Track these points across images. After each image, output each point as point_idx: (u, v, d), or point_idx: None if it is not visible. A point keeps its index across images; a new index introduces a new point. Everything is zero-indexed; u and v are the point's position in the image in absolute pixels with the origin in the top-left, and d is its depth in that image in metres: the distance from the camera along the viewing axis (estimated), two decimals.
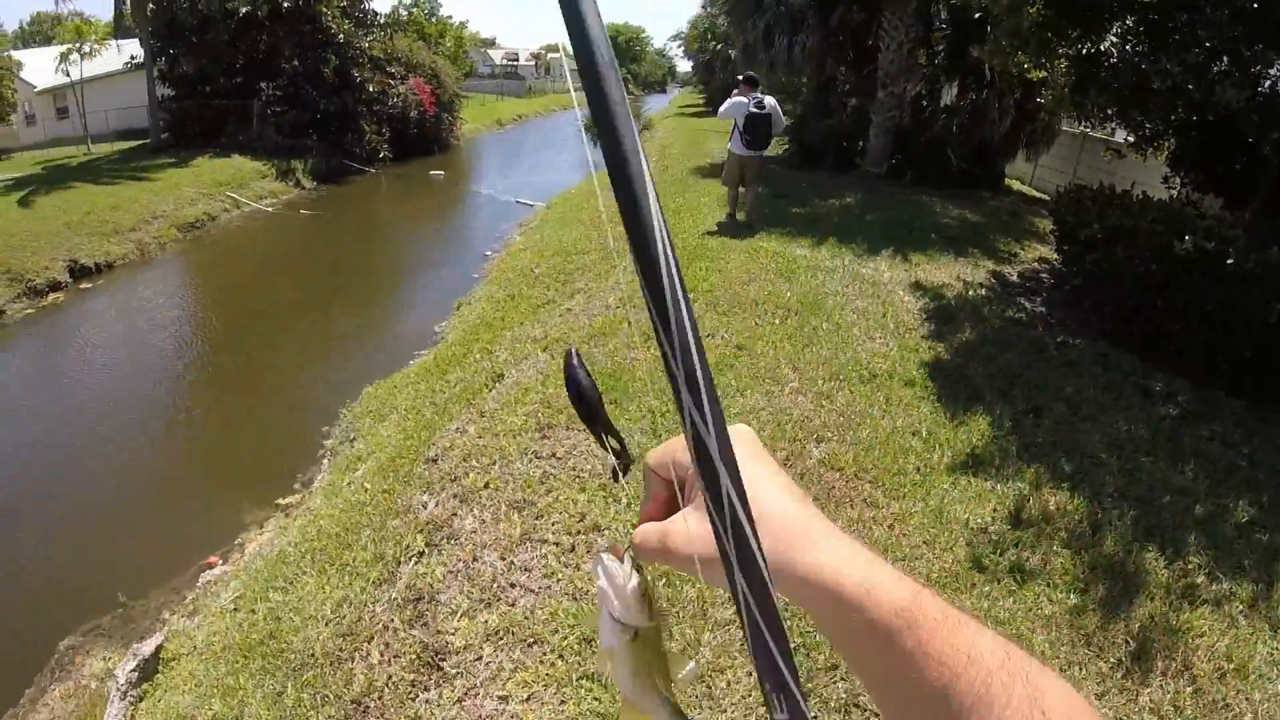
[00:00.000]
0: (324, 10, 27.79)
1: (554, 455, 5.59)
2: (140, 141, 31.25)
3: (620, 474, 0.79)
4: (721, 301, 8.13)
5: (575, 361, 0.78)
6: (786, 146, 19.03)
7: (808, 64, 18.14)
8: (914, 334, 7.59)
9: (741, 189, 11.62)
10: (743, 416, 5.76)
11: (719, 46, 43.86)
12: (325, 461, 8.04)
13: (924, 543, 4.38)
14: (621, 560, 0.71)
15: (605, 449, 0.78)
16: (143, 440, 10.45)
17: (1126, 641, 3.80)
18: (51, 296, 16.94)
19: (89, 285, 17.49)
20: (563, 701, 3.60)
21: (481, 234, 17.69)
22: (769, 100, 10.76)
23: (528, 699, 3.69)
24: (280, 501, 7.76)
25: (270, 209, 22.87)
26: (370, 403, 8.56)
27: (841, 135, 17.58)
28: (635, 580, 0.69)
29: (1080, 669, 3.59)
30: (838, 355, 6.87)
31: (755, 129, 10.70)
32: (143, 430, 10.74)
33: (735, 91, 10.85)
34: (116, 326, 15.46)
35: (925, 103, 17.34)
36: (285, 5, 26.86)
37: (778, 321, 7.61)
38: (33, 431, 11.35)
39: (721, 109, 11.04)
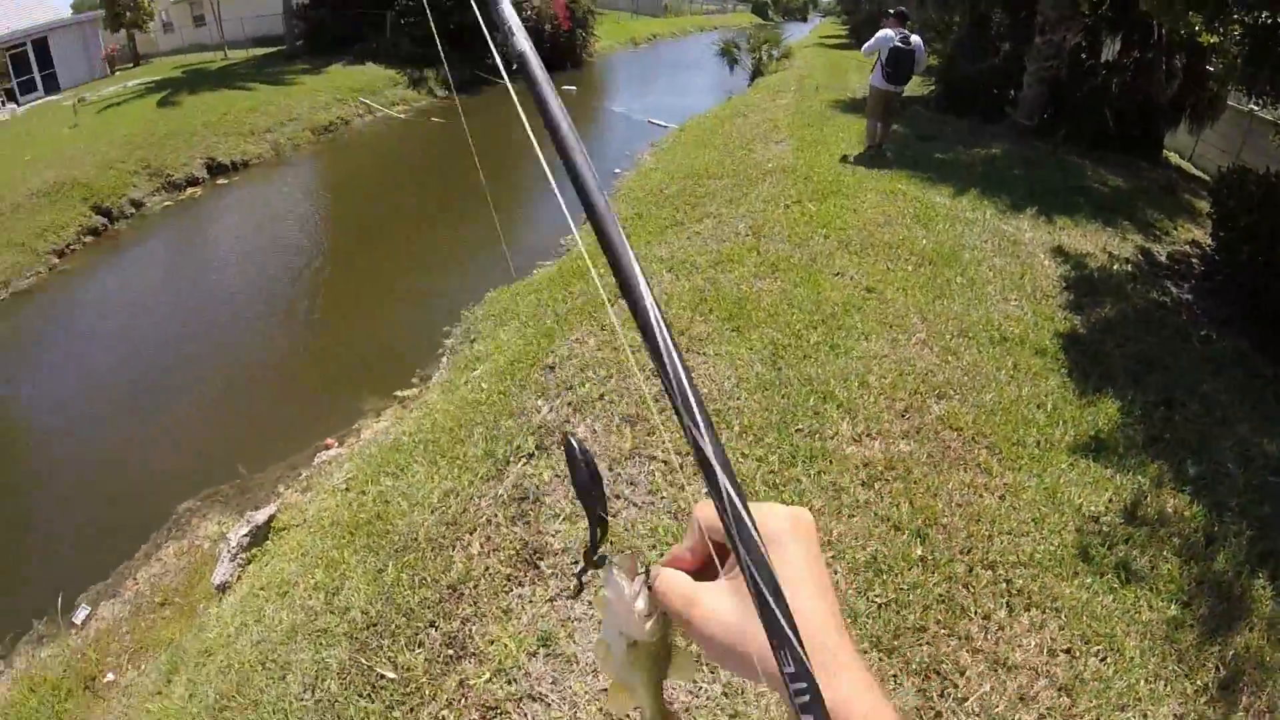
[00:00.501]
0: None
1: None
2: (276, 49, 32.10)
3: (584, 566, 0.76)
4: (854, 241, 7.88)
5: (578, 450, 0.77)
6: (933, 88, 18.26)
7: (961, 1, 17.28)
8: (1051, 301, 7.20)
9: (880, 123, 11.64)
10: (864, 361, 5.60)
11: None
12: (444, 359, 8.16)
13: (1033, 520, 4.16)
14: (633, 576, 0.70)
15: (593, 531, 0.77)
16: (271, 328, 10.85)
17: (1217, 667, 3.53)
18: (189, 191, 17.70)
19: (225, 181, 18.21)
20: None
21: (612, 151, 17.52)
22: (915, 38, 10.74)
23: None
24: (398, 393, 7.93)
25: (402, 116, 23.18)
26: (493, 307, 8.63)
27: (993, 81, 16.67)
28: (643, 601, 0.68)
29: (1166, 685, 3.36)
30: (969, 312, 6.58)
31: (898, 64, 10.67)
32: (272, 319, 11.15)
33: (884, 23, 10.89)
34: (250, 221, 16.04)
35: (1085, 55, 15.98)
36: None
37: (910, 269, 7.34)
38: (170, 315, 11.91)
39: (867, 45, 11.03)
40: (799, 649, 0.56)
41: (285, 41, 31.36)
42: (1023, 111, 15.40)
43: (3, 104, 29.68)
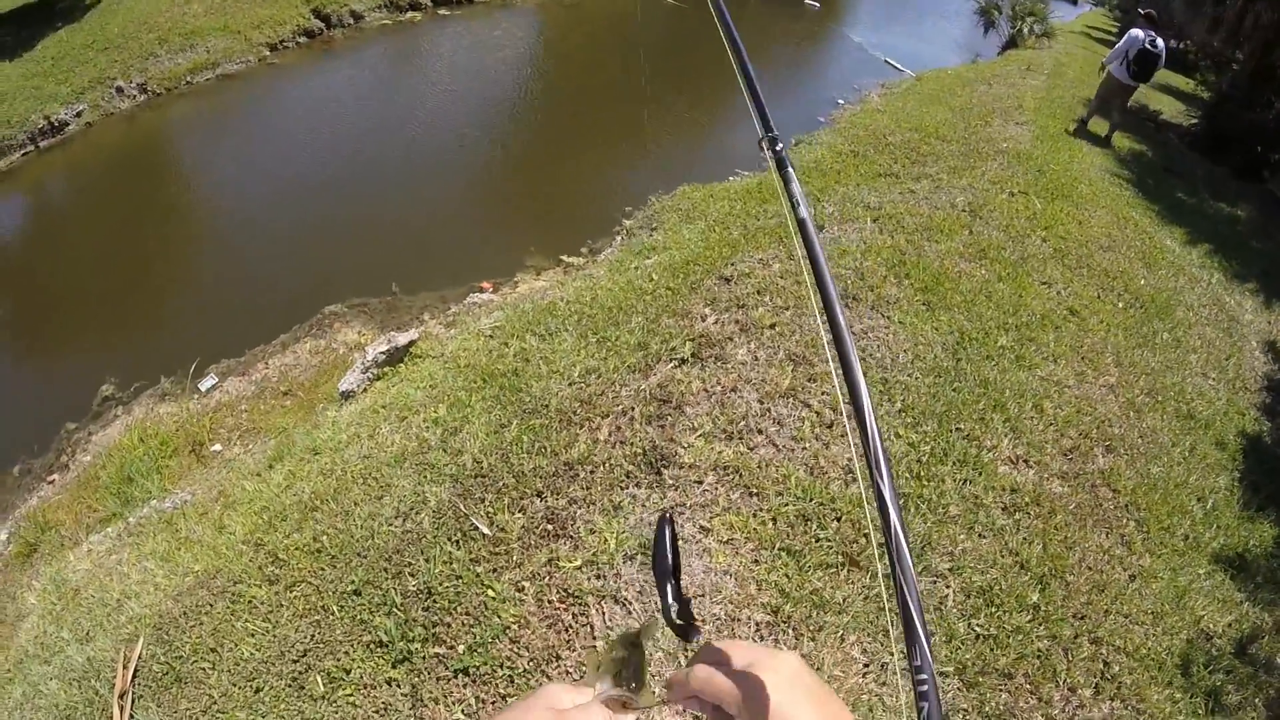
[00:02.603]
0: None
1: (851, 329, 5.41)
2: None
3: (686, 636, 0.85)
4: (1071, 255, 7.47)
5: (669, 531, 0.86)
6: (1195, 121, 16.94)
7: (1253, 38, 15.74)
8: (1249, 396, 6.71)
9: (1112, 111, 12.44)
10: (1046, 384, 5.38)
11: None
12: (619, 239, 8.18)
13: (1152, 613, 3.98)
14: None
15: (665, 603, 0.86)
16: (458, 162, 11.08)
17: None
18: (410, 14, 17.93)
19: (446, 13, 18.31)
20: (756, 562, 3.60)
21: (839, 80, 16.84)
22: (1161, 42, 11.44)
23: (727, 541, 3.72)
24: (564, 258, 8.02)
25: None
26: (682, 200, 8.56)
27: (1260, 138, 15.35)
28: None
29: None
30: (1166, 374, 6.22)
31: (1144, 63, 11.44)
32: (460, 154, 11.38)
33: (1136, 22, 11.83)
34: (463, 57, 16.18)
35: None
36: None
37: (1121, 305, 6.94)
38: (365, 128, 12.27)
39: (1116, 47, 11.92)
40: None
41: None
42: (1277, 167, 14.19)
43: None
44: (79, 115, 13.07)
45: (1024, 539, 3.99)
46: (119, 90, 13.69)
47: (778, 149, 1.56)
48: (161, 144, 13.01)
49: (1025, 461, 4.59)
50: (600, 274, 7.02)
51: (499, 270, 8.01)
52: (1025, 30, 24.64)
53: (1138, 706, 3.47)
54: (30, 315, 8.59)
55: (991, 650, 3.39)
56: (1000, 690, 3.26)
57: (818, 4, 26.14)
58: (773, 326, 5.33)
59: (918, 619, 0.75)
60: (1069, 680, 3.40)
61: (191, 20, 15.57)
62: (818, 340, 5.17)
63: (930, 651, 0.72)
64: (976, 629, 3.46)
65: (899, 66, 18.81)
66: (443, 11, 18.30)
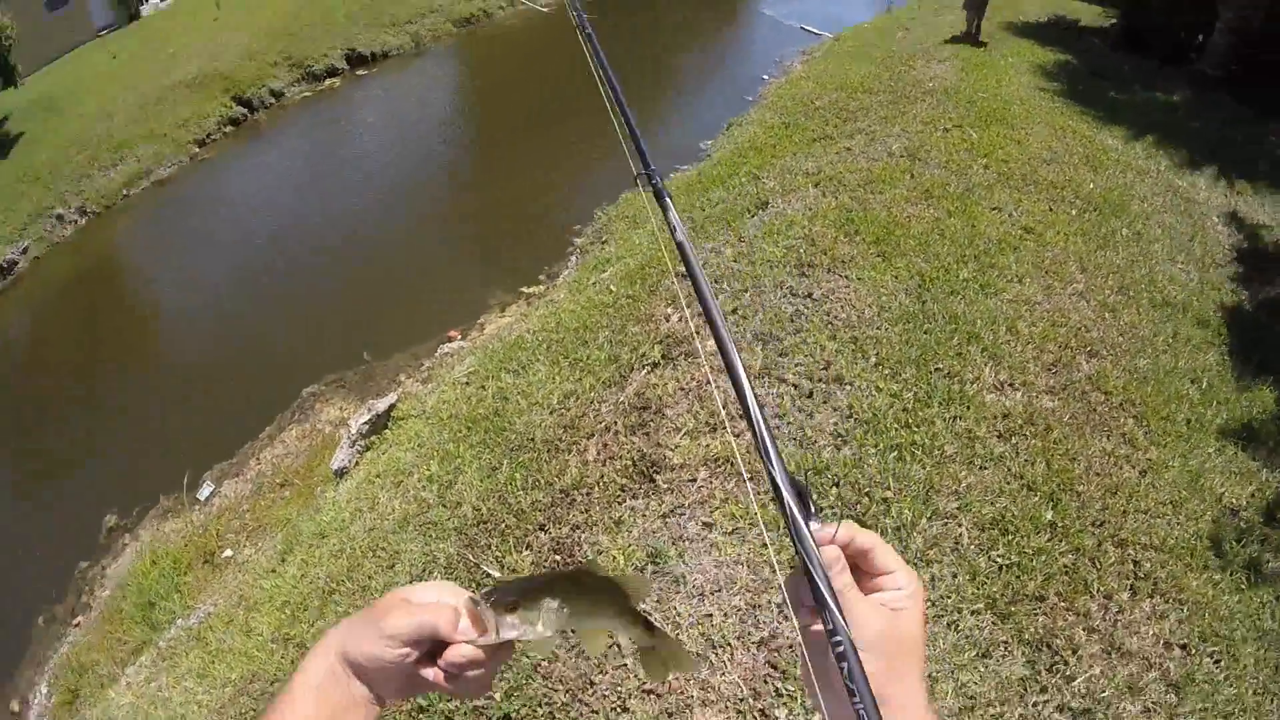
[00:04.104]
0: None
1: (809, 295, 5.39)
2: None
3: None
4: (1015, 176, 7.45)
5: None
6: (1113, 20, 16.98)
7: None
8: (1220, 271, 6.72)
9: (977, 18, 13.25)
10: (1015, 305, 5.34)
11: None
12: (574, 258, 8.19)
13: (1170, 503, 3.94)
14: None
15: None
16: (403, 219, 11.17)
17: None
18: (329, 82, 18.19)
19: (364, 73, 18.59)
20: (765, 544, 3.53)
21: (761, 56, 16.96)
22: None
23: (732, 532, 3.67)
24: (524, 290, 8.02)
25: (545, 9, 22.78)
26: (626, 208, 8.57)
27: (1180, 23, 15.34)
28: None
29: (1274, 701, 3.19)
30: (1132, 268, 6.18)
31: None
32: (403, 210, 11.49)
33: None
34: (387, 113, 16.40)
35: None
36: None
37: (1074, 213, 6.91)
38: (305, 204, 12.39)
39: None
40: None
41: None
42: (1209, 60, 14.10)
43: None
44: (24, 252, 13.08)
45: (1025, 461, 3.94)
46: (59, 218, 13.75)
47: (655, 183, 1.59)
48: (112, 263, 13.08)
49: (1010, 385, 4.55)
50: (561, 297, 7.02)
51: (464, 316, 8.01)
52: None
53: (1178, 597, 3.42)
54: (21, 462, 8.62)
55: (1018, 578, 3.33)
56: (1035, 615, 3.20)
57: None
58: (735, 311, 5.29)
59: (823, 586, 0.77)
60: (1102, 588, 3.34)
61: (117, 133, 15.70)
62: (782, 316, 5.14)
63: (842, 615, 0.75)
64: (998, 560, 3.40)
65: (816, 31, 18.87)
66: (360, 72, 18.48)
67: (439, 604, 0.84)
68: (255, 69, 17.54)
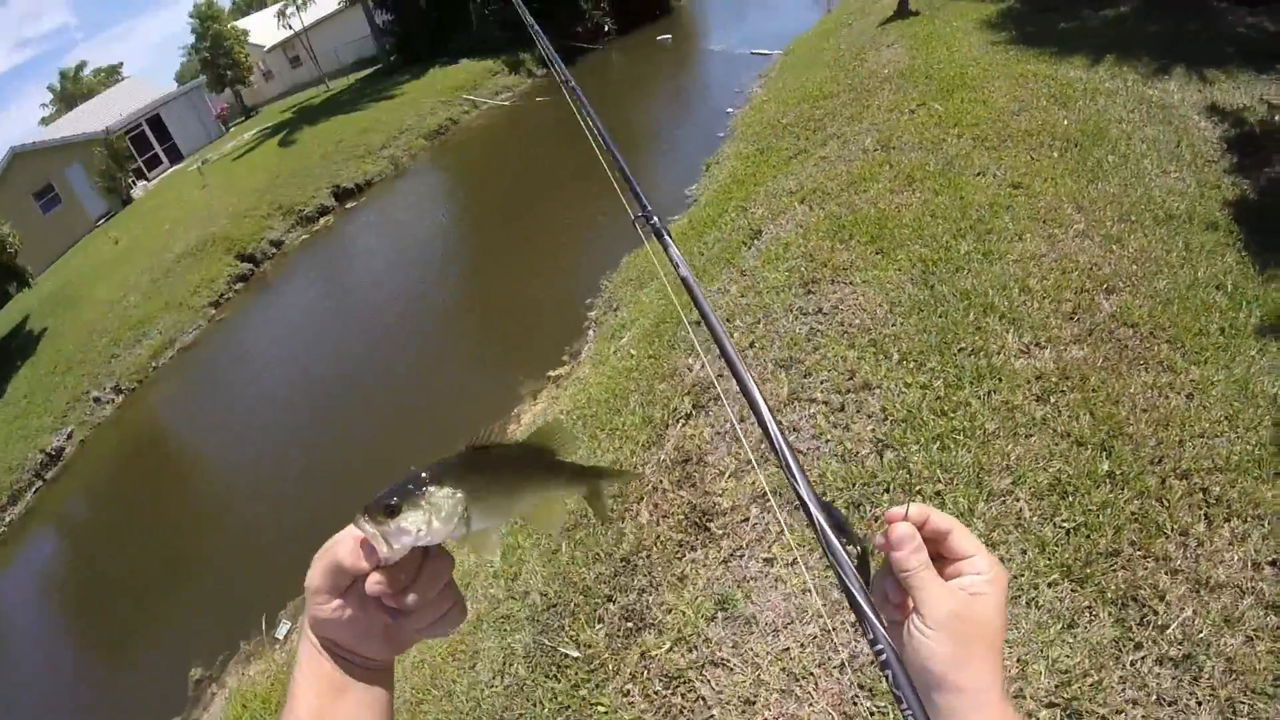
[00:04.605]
0: None
1: (819, 311, 5.45)
2: (373, 69, 33.98)
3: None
4: (990, 136, 7.48)
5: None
6: None
7: None
8: (1214, 167, 6.59)
9: None
10: (1022, 264, 5.33)
11: None
12: (591, 332, 8.29)
13: (1225, 418, 3.84)
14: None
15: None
16: (421, 331, 11.46)
17: None
18: (323, 221, 18.99)
19: (353, 204, 19.48)
20: (828, 567, 3.54)
21: (721, 91, 17.19)
22: None
23: (792, 563, 3.69)
24: (551, 373, 8.12)
25: (507, 103, 23.65)
26: (629, 271, 8.69)
27: None
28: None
29: None
30: (1127, 192, 6.14)
31: None
32: (420, 322, 11.79)
33: None
34: (383, 236, 17.04)
35: None
36: None
37: (1056, 155, 6.91)
38: (325, 339, 12.82)
39: None
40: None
41: (379, 59, 32.73)
42: None
43: (134, 184, 32.30)
44: (69, 437, 13.79)
45: (1069, 418, 3.92)
46: (96, 400, 14.47)
47: (653, 222, 1.70)
48: (155, 432, 13.62)
49: (1036, 345, 4.54)
50: (586, 373, 7.10)
51: (498, 412, 8.11)
52: None
53: (1255, 514, 3.34)
54: (100, 633, 8.89)
55: (1088, 538, 3.30)
56: (1113, 571, 3.16)
57: (668, 36, 26.69)
58: (752, 345, 5.35)
59: (860, 597, 0.81)
60: (1176, 526, 3.29)
61: (134, 311, 16.59)
62: (797, 338, 5.19)
63: (881, 622, 0.79)
64: (1063, 525, 3.38)
65: (765, 52, 19.13)
66: (349, 205, 19.22)
67: (340, 537, 0.82)
68: (251, 225, 18.31)
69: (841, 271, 5.80)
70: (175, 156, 36.78)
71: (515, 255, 12.62)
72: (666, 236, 1.74)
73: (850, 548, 0.86)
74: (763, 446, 4.41)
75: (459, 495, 0.78)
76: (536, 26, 3.26)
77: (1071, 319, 4.74)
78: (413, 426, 9.04)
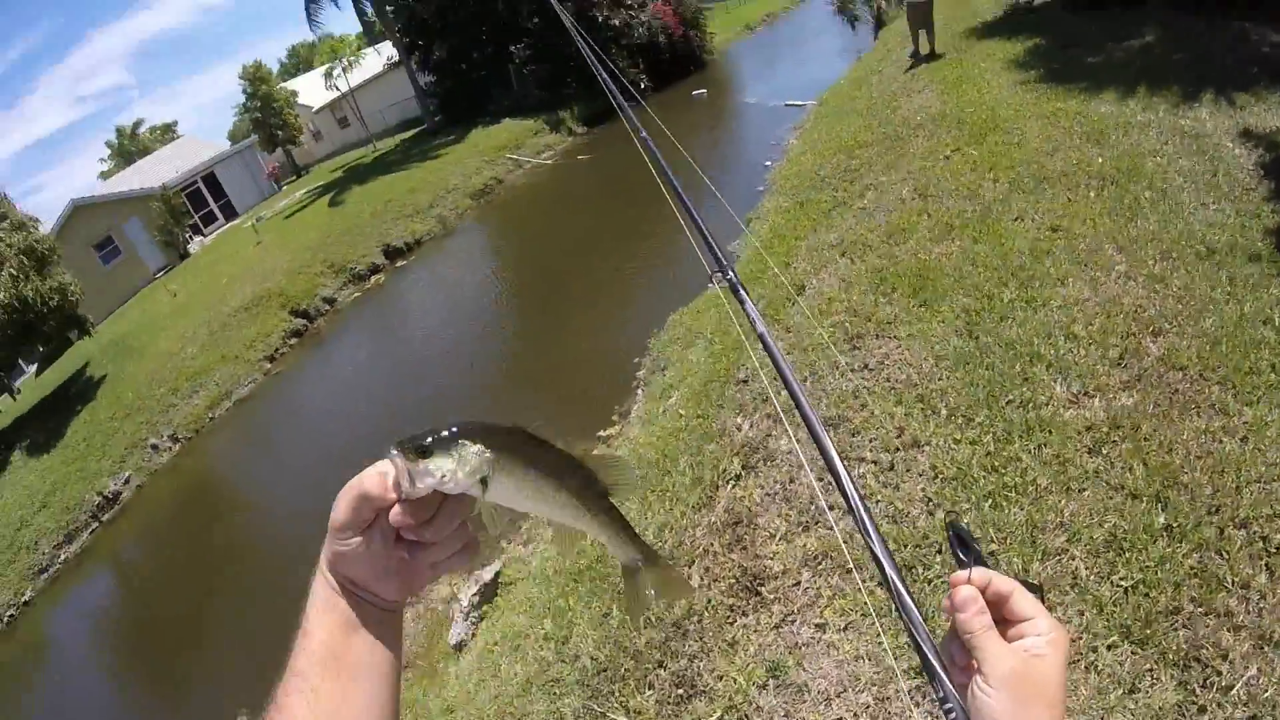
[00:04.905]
0: None
1: (866, 367, 5.51)
2: (417, 129, 34.94)
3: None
4: (1026, 179, 7.53)
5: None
6: None
7: None
8: (1253, 195, 6.51)
9: (923, 31, 14.22)
10: (1066, 310, 5.35)
11: None
12: (639, 391, 8.36)
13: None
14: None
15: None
16: (470, 389, 11.66)
17: None
18: (374, 278, 19.58)
19: (403, 263, 20.04)
20: (880, 634, 3.56)
21: (757, 144, 17.39)
22: None
23: (845, 628, 3.72)
24: (601, 434, 8.19)
25: (549, 161, 24.21)
26: (676, 330, 8.76)
27: None
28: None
29: None
30: (1167, 229, 6.12)
31: None
32: (469, 380, 12.01)
33: None
34: (433, 293, 17.46)
35: None
36: None
37: (1093, 195, 6.93)
38: (376, 395, 12.98)
39: None
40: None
41: (424, 120, 33.57)
42: None
43: (190, 239, 33.46)
44: (127, 482, 14.47)
45: (1122, 469, 3.93)
46: (154, 448, 15.12)
47: (730, 278, 1.80)
48: (211, 481, 14.04)
49: (1085, 394, 4.55)
50: (636, 433, 7.17)
51: None
52: (884, 5, 25.18)
53: None
54: (150, 668, 9.32)
55: (1146, 596, 3.28)
56: (1174, 630, 3.13)
57: (703, 91, 27.07)
58: (800, 404, 5.39)
59: (931, 656, 0.87)
60: (1237, 579, 3.25)
61: (191, 362, 17.25)
62: (844, 395, 5.24)
63: (950, 681, 0.85)
64: (1121, 584, 3.36)
65: (799, 103, 19.34)
66: (399, 263, 19.76)
67: (367, 472, 0.85)
68: (305, 281, 18.88)
69: (886, 326, 5.86)
70: (230, 213, 38.29)
71: (563, 312, 12.82)
72: (742, 291, 1.83)
73: (966, 559, 0.91)
74: (813, 508, 4.47)
75: (487, 457, 0.83)
76: (610, 84, 3.39)
77: (1119, 365, 4.74)
78: None
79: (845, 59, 22.06)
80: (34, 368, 23.85)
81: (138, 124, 71.01)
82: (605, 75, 3.52)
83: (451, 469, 0.80)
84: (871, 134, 11.06)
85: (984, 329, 5.41)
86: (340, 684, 0.84)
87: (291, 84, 47.21)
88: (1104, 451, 4.08)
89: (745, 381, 6.15)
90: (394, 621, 0.92)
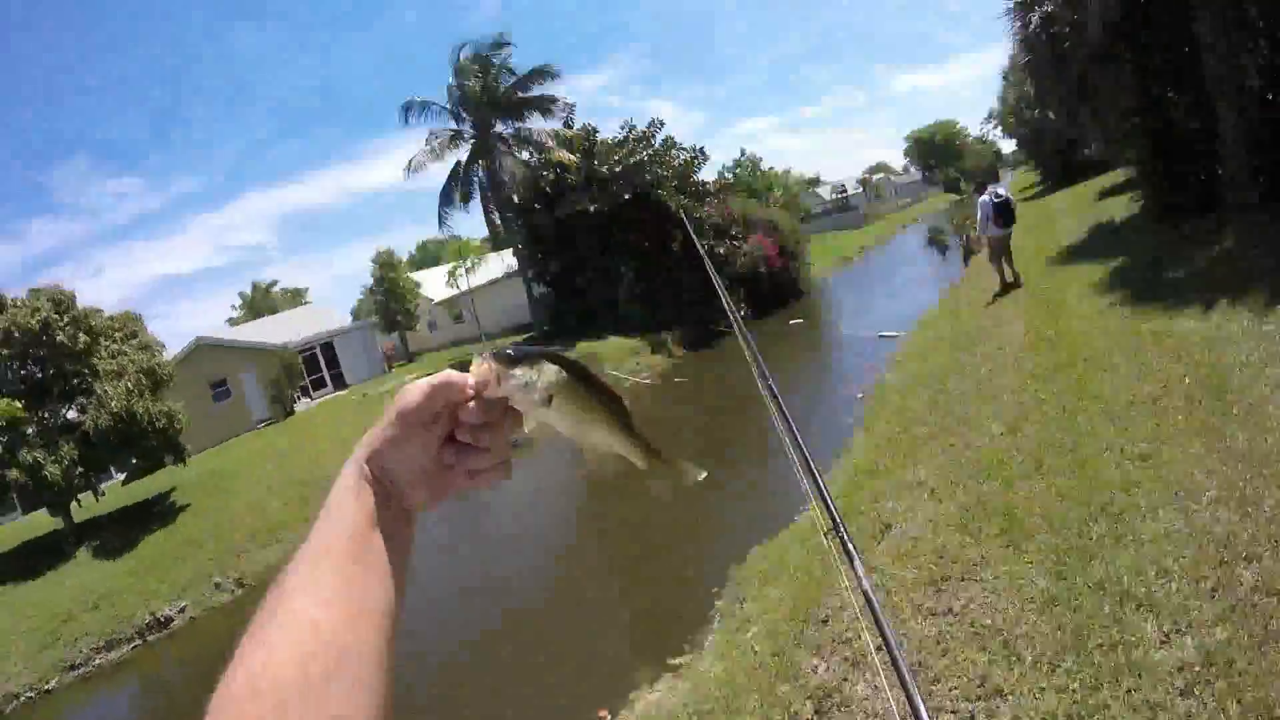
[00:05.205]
0: (661, 192, 30.13)
1: (950, 611, 5.40)
2: (526, 334, 36.51)
3: None
4: (1115, 407, 7.49)
5: None
6: (1141, 203, 17.25)
7: (1130, 99, 16.15)
8: None
9: (1004, 262, 15.45)
10: (1157, 544, 5.16)
11: (1035, 114, 40.54)
12: (715, 621, 8.24)
13: None
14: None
15: None
16: (539, 599, 11.68)
17: None
18: None
19: None
20: None
21: (850, 375, 17.70)
22: (1003, 190, 16.14)
23: None
24: (671, 661, 8.05)
25: (648, 381, 24.84)
26: (758, 563, 8.71)
27: (1194, 168, 15.28)
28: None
29: None
30: (1257, 444, 5.95)
31: (1004, 211, 15.06)
32: (539, 590, 12.10)
33: (977, 195, 16.49)
34: (518, 500, 17.56)
35: (1272, 96, 13.94)
36: (626, 198, 29.59)
37: (1181, 418, 6.82)
38: (444, 587, 13.06)
39: (979, 220, 15.87)
40: None
41: (533, 327, 35.48)
42: (1237, 186, 13.96)
43: (298, 399, 35.25)
44: (182, 611, 14.79)
45: (1216, 709, 3.70)
46: (217, 585, 15.46)
47: (841, 536, 1.94)
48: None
49: (1177, 632, 4.35)
50: (707, 665, 7.01)
51: (613, 693, 7.95)
52: (971, 234, 26.00)
53: None
54: None
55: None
56: None
57: (800, 321, 27.87)
58: (879, 648, 5.25)
59: None
60: None
61: (273, 516, 17.74)
62: (926, 640, 5.13)
63: None
64: None
65: (892, 334, 19.70)
66: None
67: (451, 373, 0.91)
68: None
69: (972, 568, 5.77)
70: (340, 383, 40.16)
71: (645, 533, 12.76)
72: (852, 548, 1.94)
73: None
74: None
75: (561, 377, 0.95)
76: (733, 310, 3.69)
77: (1212, 597, 4.54)
78: (516, 693, 9.05)
79: (936, 287, 22.57)
80: (123, 476, 24.68)
81: (272, 283, 77.13)
82: (729, 305, 3.84)
83: (534, 379, 0.93)
84: (961, 366, 11.19)
85: (1072, 568, 5.27)
86: (359, 568, 0.86)
87: (417, 275, 50.81)
88: (1196, 693, 3.87)
89: (825, 622, 6.07)
90: (410, 530, 0.96)
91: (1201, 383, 7.34)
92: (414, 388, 0.90)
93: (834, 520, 1.88)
